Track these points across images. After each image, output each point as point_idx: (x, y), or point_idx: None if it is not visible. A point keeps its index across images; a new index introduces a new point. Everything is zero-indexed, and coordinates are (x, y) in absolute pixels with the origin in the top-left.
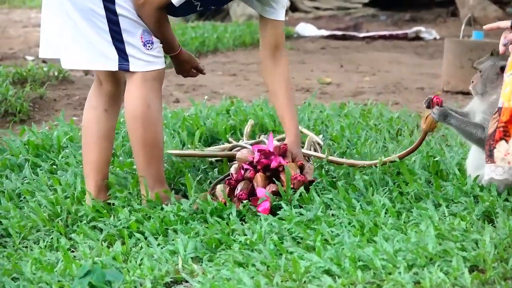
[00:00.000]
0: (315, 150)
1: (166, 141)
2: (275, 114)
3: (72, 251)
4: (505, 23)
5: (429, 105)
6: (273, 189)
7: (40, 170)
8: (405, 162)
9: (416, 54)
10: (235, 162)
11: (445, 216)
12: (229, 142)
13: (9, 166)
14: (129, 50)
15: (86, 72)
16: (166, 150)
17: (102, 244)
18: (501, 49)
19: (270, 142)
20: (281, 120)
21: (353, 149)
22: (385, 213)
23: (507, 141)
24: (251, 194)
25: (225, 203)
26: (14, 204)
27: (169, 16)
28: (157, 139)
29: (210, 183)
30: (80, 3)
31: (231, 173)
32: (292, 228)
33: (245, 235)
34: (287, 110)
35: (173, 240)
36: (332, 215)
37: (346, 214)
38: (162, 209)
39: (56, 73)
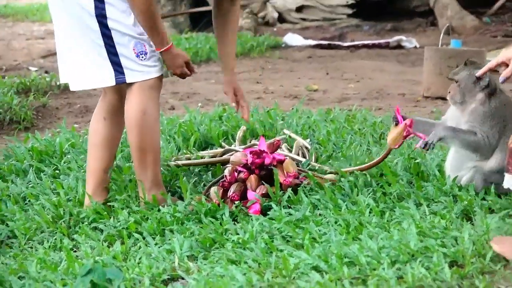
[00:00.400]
0: (303, 154)
1: (162, 146)
2: (265, 120)
3: (75, 251)
4: (492, 63)
5: (397, 123)
6: (263, 191)
7: (44, 174)
8: (388, 164)
9: (397, 62)
10: (228, 165)
11: (426, 214)
12: (222, 146)
13: (14, 171)
14: (124, 62)
15: None
16: (162, 155)
17: (102, 244)
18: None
19: (262, 145)
20: (223, 58)
21: (338, 152)
22: (369, 212)
23: None
24: (244, 195)
25: (218, 204)
26: (19, 207)
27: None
28: (154, 145)
29: (204, 185)
30: (76, 20)
31: (225, 176)
32: (282, 227)
33: (238, 234)
34: (231, 53)
35: (169, 239)
36: (320, 214)
37: (332, 213)
38: (159, 210)
39: (58, 83)
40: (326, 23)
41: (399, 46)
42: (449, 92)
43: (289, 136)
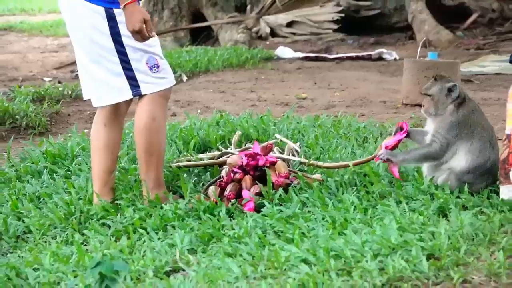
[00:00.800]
0: (293, 156)
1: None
2: (259, 125)
3: (85, 245)
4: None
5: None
6: (257, 190)
7: (57, 175)
8: (371, 166)
9: (379, 73)
10: (225, 167)
11: (405, 211)
12: (219, 149)
13: (30, 172)
14: (138, 76)
15: None
16: (165, 158)
17: (110, 239)
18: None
19: (256, 148)
20: None
21: (325, 154)
22: (354, 209)
23: None
24: (239, 194)
25: (216, 203)
26: (34, 205)
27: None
28: (159, 148)
29: (203, 185)
30: (92, 40)
31: (222, 176)
32: (274, 223)
33: (234, 229)
34: None
35: (171, 234)
36: (308, 211)
37: (320, 210)
38: (161, 208)
39: (69, 92)
40: (313, 37)
41: (380, 58)
42: (423, 106)
43: (281, 140)
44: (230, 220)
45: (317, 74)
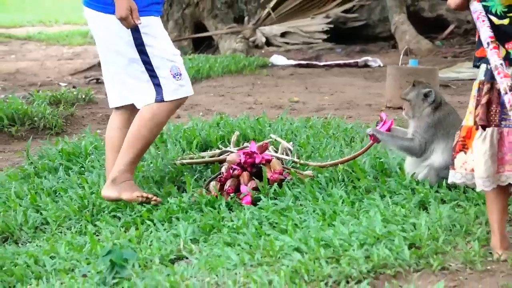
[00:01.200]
0: (287, 154)
1: (169, 148)
2: (255, 126)
3: (97, 235)
4: None
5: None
6: (254, 186)
7: (71, 171)
8: (357, 163)
9: (364, 78)
10: (224, 164)
11: (389, 204)
12: (219, 148)
13: (47, 169)
14: (163, 82)
15: None
16: (169, 155)
17: (120, 230)
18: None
19: (252, 147)
20: None
21: (316, 153)
22: (342, 203)
23: (465, 152)
24: (237, 189)
25: (216, 196)
26: (51, 199)
27: None
28: (144, 141)
29: (205, 180)
30: (119, 51)
31: (222, 172)
32: (269, 215)
33: (232, 221)
34: None
35: (176, 225)
36: (300, 205)
37: (311, 204)
38: (167, 201)
39: (83, 96)
40: (305, 46)
41: (366, 65)
42: (404, 109)
43: (275, 140)
44: (229, 212)
45: (308, 80)
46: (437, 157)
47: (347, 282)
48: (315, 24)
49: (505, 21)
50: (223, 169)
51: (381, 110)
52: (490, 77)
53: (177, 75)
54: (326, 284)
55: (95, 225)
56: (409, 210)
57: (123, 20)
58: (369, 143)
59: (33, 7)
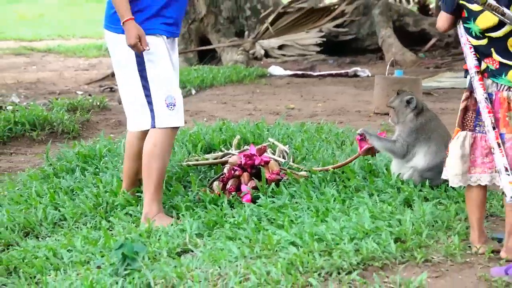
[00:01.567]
0: (283, 157)
1: (176, 151)
2: (255, 131)
3: (110, 230)
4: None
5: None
6: (253, 185)
7: (87, 172)
8: (348, 164)
9: (354, 87)
10: (226, 165)
11: (376, 202)
12: (222, 151)
13: (65, 169)
14: (156, 109)
15: (120, 102)
16: (176, 157)
17: (131, 225)
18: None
19: (252, 150)
20: None
21: (310, 155)
22: (334, 200)
23: None
24: (238, 188)
25: (219, 195)
26: (68, 197)
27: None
28: (156, 173)
29: (208, 180)
30: (125, 73)
31: (224, 173)
32: (267, 212)
33: (234, 217)
34: None
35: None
36: (296, 202)
37: (306, 201)
38: (174, 199)
39: (98, 103)
40: (300, 58)
41: (355, 75)
42: (389, 116)
43: (273, 143)
44: (231, 209)
45: (303, 89)
46: (419, 159)
47: (338, 273)
48: (309, 37)
49: (483, 42)
50: (225, 170)
51: (369, 116)
52: (470, 86)
53: (170, 105)
54: (319, 275)
55: (108, 221)
56: (395, 207)
57: (133, 47)
58: (356, 154)
59: (52, 23)
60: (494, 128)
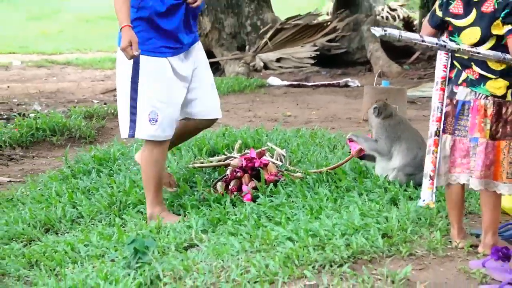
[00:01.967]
0: (281, 160)
1: (183, 154)
2: (254, 136)
3: (123, 227)
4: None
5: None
6: (253, 185)
7: (102, 174)
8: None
9: (345, 96)
10: (229, 167)
11: (365, 201)
12: (225, 154)
13: (82, 171)
14: (138, 122)
15: None
16: (183, 160)
17: (142, 222)
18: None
19: (252, 153)
20: None
21: (305, 158)
22: (327, 199)
23: None
24: (240, 188)
25: (222, 194)
26: (85, 196)
27: None
28: (151, 179)
29: (213, 181)
30: (121, 81)
31: (227, 174)
32: (266, 210)
33: (235, 215)
34: None
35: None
36: (292, 201)
37: (301, 200)
38: (181, 198)
39: (112, 111)
40: (296, 70)
41: (346, 85)
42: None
43: (271, 147)
44: (233, 207)
45: (298, 97)
46: (395, 159)
47: (331, 266)
48: (304, 51)
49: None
50: (228, 172)
51: (359, 122)
52: (450, 93)
53: (152, 120)
54: (313, 267)
55: (121, 218)
56: (382, 205)
57: (123, 50)
58: (349, 156)
59: (71, 38)
60: (436, 135)
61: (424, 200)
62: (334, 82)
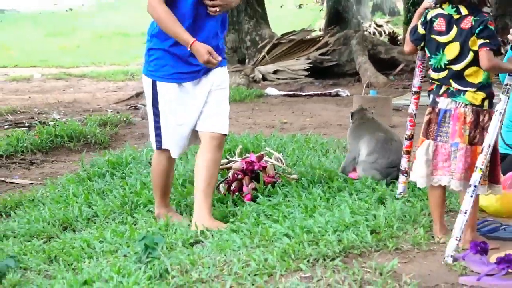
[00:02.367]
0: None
1: (189, 158)
2: (254, 141)
3: (134, 225)
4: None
5: None
6: (253, 186)
7: (115, 176)
8: (331, 169)
9: (336, 105)
10: (231, 170)
11: (355, 200)
12: (227, 158)
13: (97, 174)
14: (163, 134)
15: (143, 118)
16: (189, 164)
17: (152, 220)
18: None
19: (252, 157)
20: None
21: (300, 161)
22: (320, 199)
23: None
24: (241, 189)
25: (225, 195)
26: (100, 197)
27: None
28: (156, 183)
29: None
30: (147, 98)
31: (229, 177)
32: (265, 209)
33: (237, 213)
34: None
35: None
36: (288, 201)
37: (296, 200)
38: (187, 199)
39: (124, 119)
40: (291, 81)
41: (337, 95)
42: None
43: (269, 151)
44: (235, 207)
45: (294, 106)
46: (361, 154)
47: (324, 259)
48: (299, 64)
49: (443, 74)
50: (229, 174)
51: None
52: (433, 103)
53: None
54: (308, 261)
55: (133, 217)
56: (371, 204)
57: (206, 63)
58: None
59: (87, 52)
60: (410, 139)
61: (400, 193)
62: (326, 92)
